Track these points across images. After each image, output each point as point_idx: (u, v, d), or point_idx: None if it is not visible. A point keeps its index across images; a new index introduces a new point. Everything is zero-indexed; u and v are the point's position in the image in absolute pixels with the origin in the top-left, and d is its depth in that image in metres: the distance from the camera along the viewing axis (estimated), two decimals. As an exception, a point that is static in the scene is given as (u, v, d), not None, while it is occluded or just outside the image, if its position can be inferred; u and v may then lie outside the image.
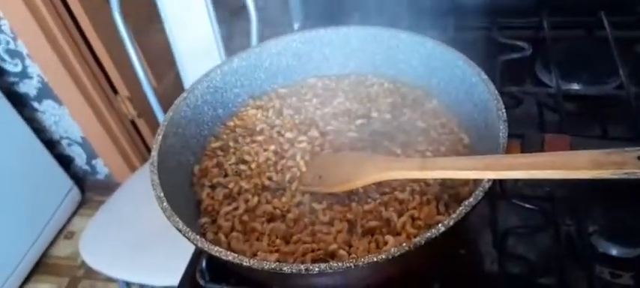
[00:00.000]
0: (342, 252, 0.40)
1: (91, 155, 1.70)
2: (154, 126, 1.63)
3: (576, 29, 0.71)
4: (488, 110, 0.44)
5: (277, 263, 0.34)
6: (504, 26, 0.70)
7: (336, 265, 0.33)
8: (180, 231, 0.38)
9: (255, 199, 0.47)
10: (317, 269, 0.33)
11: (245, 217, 0.45)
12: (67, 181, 1.69)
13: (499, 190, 0.48)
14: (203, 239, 0.37)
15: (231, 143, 0.54)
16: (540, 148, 0.40)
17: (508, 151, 0.39)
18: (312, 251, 0.41)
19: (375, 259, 0.33)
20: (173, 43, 1.11)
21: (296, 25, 0.89)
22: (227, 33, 1.07)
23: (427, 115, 0.52)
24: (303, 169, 0.49)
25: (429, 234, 0.34)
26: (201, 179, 0.50)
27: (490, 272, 0.46)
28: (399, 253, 0.33)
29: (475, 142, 0.48)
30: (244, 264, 0.35)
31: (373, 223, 0.42)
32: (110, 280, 1.39)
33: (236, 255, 0.35)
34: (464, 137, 0.49)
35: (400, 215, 0.42)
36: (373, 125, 0.52)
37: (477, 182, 0.42)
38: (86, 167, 1.77)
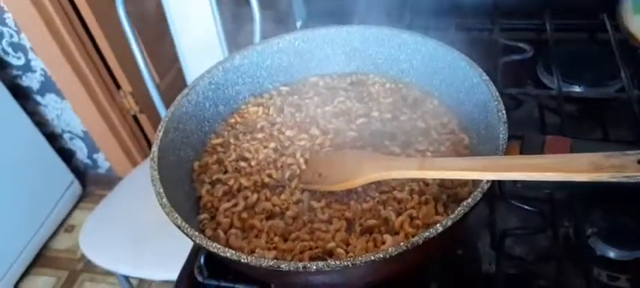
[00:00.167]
0: (340, 250, 0.40)
1: (92, 149, 1.71)
2: (155, 121, 1.63)
3: (579, 32, 0.71)
4: (489, 111, 0.44)
5: (275, 261, 0.34)
6: (506, 28, 0.70)
7: (333, 263, 0.33)
8: (178, 227, 0.38)
9: (255, 196, 0.47)
10: (314, 267, 0.33)
11: (244, 214, 0.45)
12: (68, 175, 1.69)
13: (498, 191, 0.48)
14: (201, 235, 0.37)
15: (231, 140, 0.54)
16: (540, 149, 0.40)
17: (507, 152, 0.39)
18: (310, 249, 0.41)
19: (372, 258, 0.33)
20: (176, 39, 1.11)
21: (299, 24, 0.89)
22: (230, 30, 1.07)
23: (428, 116, 0.52)
24: (303, 166, 0.49)
25: (427, 234, 0.34)
26: (201, 175, 0.50)
27: (488, 273, 0.46)
28: (396, 252, 0.33)
29: (475, 143, 0.48)
30: (242, 261, 0.35)
31: (371, 222, 0.42)
32: (109, 273, 1.40)
33: (234, 252, 0.35)
34: (464, 138, 0.49)
35: (399, 214, 0.42)
36: (374, 125, 0.52)
37: (475, 183, 0.42)
38: (87, 161, 1.77)
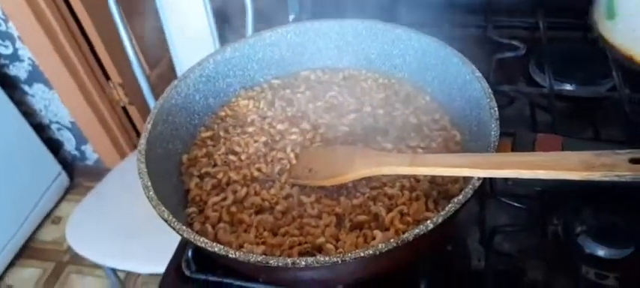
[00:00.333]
0: (329, 246, 0.40)
1: (80, 140, 1.69)
2: (145, 113, 1.62)
3: (571, 30, 0.71)
4: (481, 108, 0.44)
5: (263, 256, 0.34)
6: (499, 25, 0.70)
7: (322, 259, 0.33)
8: (165, 220, 0.37)
9: (244, 190, 0.46)
10: (303, 263, 0.33)
11: (233, 208, 0.45)
12: (55, 166, 1.67)
13: (488, 188, 0.48)
14: (189, 229, 0.37)
15: (221, 133, 0.53)
16: (532, 147, 0.40)
17: (499, 149, 0.39)
18: (300, 244, 0.40)
19: (362, 255, 0.32)
20: (167, 30, 1.10)
21: (291, 17, 0.88)
22: (222, 22, 1.06)
23: (420, 111, 0.52)
24: (293, 161, 0.49)
25: (417, 230, 0.33)
26: (189, 168, 0.50)
27: (477, 269, 0.46)
28: (386, 248, 0.33)
29: (467, 140, 0.47)
30: (230, 256, 0.34)
31: (362, 218, 0.42)
32: (96, 266, 1.38)
33: (222, 246, 0.35)
34: (456, 134, 0.49)
35: (389, 210, 0.42)
36: (365, 120, 0.52)
37: (466, 180, 0.41)
38: (75, 152, 1.75)
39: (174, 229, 0.37)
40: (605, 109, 0.60)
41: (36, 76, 1.47)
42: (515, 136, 0.42)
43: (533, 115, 0.59)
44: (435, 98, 0.53)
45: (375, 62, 0.58)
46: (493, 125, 0.40)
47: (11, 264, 1.54)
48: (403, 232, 0.39)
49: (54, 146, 1.69)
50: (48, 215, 1.68)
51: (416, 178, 0.44)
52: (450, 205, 0.35)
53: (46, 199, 1.64)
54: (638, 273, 0.45)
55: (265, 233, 0.42)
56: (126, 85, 1.55)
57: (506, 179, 0.43)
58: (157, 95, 1.16)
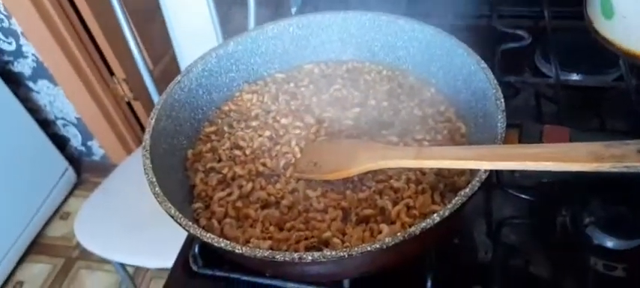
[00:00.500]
0: (335, 240, 0.40)
1: (86, 136, 1.69)
2: (150, 108, 1.61)
3: (577, 19, 0.70)
4: (487, 99, 0.43)
5: (270, 251, 0.34)
6: (504, 15, 0.69)
7: (329, 254, 0.33)
8: (172, 216, 0.37)
9: (249, 185, 0.46)
10: (310, 258, 0.33)
11: (239, 203, 0.45)
12: (62, 162, 1.68)
13: (495, 180, 0.48)
14: (195, 225, 0.37)
15: (225, 128, 0.53)
16: (539, 138, 0.40)
17: (506, 141, 0.39)
18: (306, 239, 0.40)
19: (368, 249, 0.32)
20: (170, 25, 1.10)
21: (293, 10, 0.88)
22: (224, 15, 1.06)
23: (425, 104, 0.52)
24: (298, 155, 0.49)
25: (424, 224, 0.33)
26: (194, 164, 0.50)
27: (484, 262, 0.46)
28: (393, 242, 0.32)
29: (473, 132, 0.47)
30: (237, 251, 0.34)
31: (368, 212, 0.42)
32: (105, 261, 1.39)
33: (228, 242, 0.35)
34: (461, 126, 0.48)
35: (395, 204, 0.42)
36: (370, 113, 0.52)
37: (473, 172, 0.41)
38: (81, 148, 1.76)
39: (180, 225, 0.37)
40: (610, 99, 0.60)
41: (40, 72, 1.48)
42: (522, 127, 0.42)
43: (539, 106, 0.58)
44: (440, 90, 0.52)
45: (379, 54, 0.57)
46: (499, 117, 0.40)
47: (21, 260, 1.56)
48: (410, 226, 0.39)
49: (60, 142, 1.70)
50: (56, 211, 1.69)
51: (422, 171, 0.44)
52: (456, 198, 0.34)
53: (54, 195, 1.65)
54: (647, 263, 0.44)
55: (271, 228, 0.42)
56: (130, 81, 1.55)
57: (512, 171, 0.43)
58: (161, 90, 1.16)
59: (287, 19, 0.57)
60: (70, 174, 1.72)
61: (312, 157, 0.47)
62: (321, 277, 0.43)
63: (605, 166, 0.32)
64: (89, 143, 1.73)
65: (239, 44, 0.56)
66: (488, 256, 0.45)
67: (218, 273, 0.46)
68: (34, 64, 1.46)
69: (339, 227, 0.41)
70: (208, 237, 0.36)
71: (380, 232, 0.40)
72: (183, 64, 1.15)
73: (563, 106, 0.54)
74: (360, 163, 0.43)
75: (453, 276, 0.44)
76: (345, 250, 0.33)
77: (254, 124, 0.53)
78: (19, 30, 1.36)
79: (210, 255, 0.48)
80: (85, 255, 1.54)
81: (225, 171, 0.48)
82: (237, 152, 0.50)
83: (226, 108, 0.55)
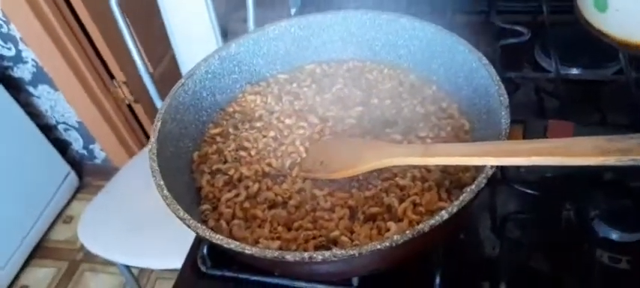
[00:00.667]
0: (344, 238, 0.40)
1: (88, 140, 1.70)
2: (150, 111, 1.62)
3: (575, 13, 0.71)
4: (490, 96, 0.44)
5: (280, 251, 0.34)
6: (502, 10, 0.69)
7: (339, 253, 0.33)
8: (181, 219, 0.38)
9: (256, 185, 0.47)
10: (320, 257, 0.33)
11: (246, 204, 0.45)
12: (64, 166, 1.68)
13: (499, 175, 0.48)
14: (204, 227, 0.37)
15: (230, 129, 0.53)
16: (543, 134, 0.40)
17: (510, 137, 0.39)
18: (314, 238, 0.41)
19: (378, 247, 0.33)
20: (169, 26, 1.10)
21: (293, 11, 0.88)
22: (223, 17, 1.06)
23: (427, 101, 0.52)
24: (303, 155, 0.49)
25: (432, 221, 0.33)
26: (200, 166, 0.50)
27: (490, 257, 0.46)
28: (402, 240, 0.33)
29: (476, 128, 0.47)
30: (246, 252, 0.35)
31: (374, 210, 0.42)
32: (109, 263, 1.40)
33: (238, 243, 0.35)
34: (465, 123, 0.49)
35: (401, 201, 0.42)
36: (373, 112, 0.52)
37: (478, 168, 0.42)
38: (83, 152, 1.76)
39: (190, 227, 0.37)
40: (609, 92, 0.60)
41: (40, 77, 1.48)
42: (526, 123, 0.42)
43: (540, 101, 0.59)
44: (442, 87, 0.53)
45: (380, 53, 0.58)
46: (503, 113, 0.40)
47: (26, 264, 1.56)
48: (417, 223, 0.40)
49: (61, 146, 1.70)
50: (59, 215, 1.70)
51: (427, 168, 0.44)
52: (464, 195, 0.35)
53: (56, 199, 1.66)
54: (651, 255, 0.45)
55: (279, 228, 0.42)
56: (130, 84, 1.55)
57: (518, 166, 0.43)
58: (161, 92, 1.17)
59: (288, 20, 0.57)
60: (73, 178, 1.72)
61: (318, 156, 0.48)
62: (330, 275, 0.44)
63: (610, 160, 0.33)
64: (91, 147, 1.73)
65: (241, 46, 0.56)
66: (495, 251, 0.46)
67: (227, 273, 0.47)
68: (34, 69, 1.46)
69: (346, 225, 0.41)
70: (218, 238, 0.36)
71: (387, 229, 0.40)
72: (183, 65, 1.16)
73: (564, 101, 0.54)
74: (366, 162, 0.43)
75: (460, 272, 0.45)
76: (355, 248, 0.33)
77: (258, 124, 0.53)
78: (18, 35, 1.36)
79: (219, 255, 0.48)
80: (89, 258, 1.54)
81: (231, 172, 0.49)
82: (242, 153, 0.50)
83: (230, 110, 0.56)
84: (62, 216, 1.71)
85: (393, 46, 0.56)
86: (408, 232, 0.33)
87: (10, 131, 1.45)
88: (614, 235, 0.44)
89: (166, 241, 1.06)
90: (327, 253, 0.33)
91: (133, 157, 1.35)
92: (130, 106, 1.64)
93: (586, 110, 0.57)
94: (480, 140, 0.45)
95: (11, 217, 1.48)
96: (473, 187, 0.35)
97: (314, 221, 0.42)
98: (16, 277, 1.53)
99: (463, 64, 0.49)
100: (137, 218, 1.12)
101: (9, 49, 1.40)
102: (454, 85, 0.51)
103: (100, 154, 1.75)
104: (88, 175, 1.80)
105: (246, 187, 0.47)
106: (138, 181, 1.20)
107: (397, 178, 0.44)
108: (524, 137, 0.42)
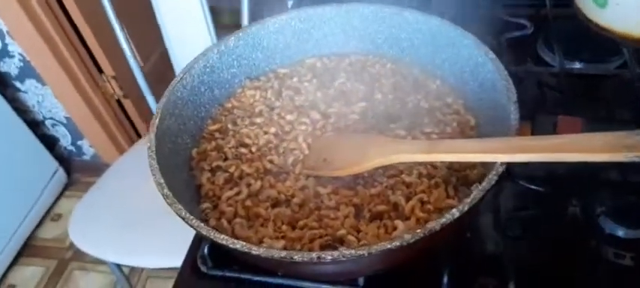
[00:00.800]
0: (350, 237, 0.39)
1: (76, 136, 1.66)
2: (140, 106, 1.59)
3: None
4: (497, 91, 0.43)
5: (288, 252, 0.33)
6: (505, 4, 0.68)
7: (348, 252, 0.32)
8: (183, 218, 0.36)
9: (258, 183, 0.45)
10: (329, 257, 0.32)
11: (248, 202, 0.44)
12: (52, 163, 1.65)
13: (505, 172, 0.47)
14: (208, 227, 0.36)
15: (229, 125, 0.52)
16: (552, 130, 0.40)
17: (519, 133, 0.38)
18: (320, 237, 0.40)
19: (390, 246, 0.32)
20: (161, 19, 1.08)
21: (290, 3, 0.87)
22: (218, 8, 1.04)
23: (431, 96, 0.51)
24: (306, 151, 0.48)
25: (444, 219, 0.33)
26: (200, 163, 0.49)
27: (496, 254, 0.46)
28: (414, 239, 0.32)
29: (482, 124, 0.47)
30: (253, 252, 0.33)
31: (381, 208, 0.41)
32: (99, 262, 1.37)
33: (244, 243, 0.34)
34: (470, 119, 0.48)
35: (408, 199, 0.41)
36: (376, 107, 0.51)
37: (485, 165, 0.41)
38: (71, 148, 1.73)
39: (192, 226, 0.36)
40: (613, 87, 0.60)
41: (27, 71, 1.44)
42: (535, 119, 0.41)
43: (544, 95, 0.58)
44: (446, 82, 0.52)
45: (382, 47, 0.56)
46: (512, 108, 0.39)
47: (13, 263, 1.53)
48: (425, 221, 0.39)
49: (49, 142, 1.67)
50: (47, 212, 1.66)
51: (433, 165, 0.44)
52: (475, 192, 0.34)
53: (44, 197, 1.63)
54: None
55: (284, 227, 0.41)
56: (119, 78, 1.52)
57: (526, 163, 0.43)
58: (151, 87, 1.14)
59: (288, 13, 0.56)
60: (61, 174, 1.69)
61: (321, 153, 0.47)
62: (336, 275, 0.43)
63: (620, 156, 0.32)
64: (79, 143, 1.70)
65: (240, 39, 0.55)
66: (500, 248, 0.45)
67: (228, 274, 0.46)
68: (21, 64, 1.42)
69: (352, 224, 0.40)
70: (223, 238, 0.35)
71: (395, 228, 0.39)
72: (176, 59, 1.13)
73: (568, 95, 0.54)
74: (371, 159, 0.42)
75: (467, 270, 0.44)
76: (365, 248, 0.32)
77: (258, 120, 0.52)
78: (4, 29, 1.32)
79: (220, 255, 0.47)
80: (79, 256, 1.52)
81: (232, 169, 0.47)
82: (243, 150, 0.49)
83: (229, 105, 0.54)
84: (50, 213, 1.68)
85: (396, 39, 0.55)
86: (419, 230, 0.32)
87: (-4, 127, 1.42)
88: (621, 232, 0.44)
89: (159, 240, 1.05)
90: (336, 253, 0.32)
91: (123, 153, 1.32)
92: (119, 102, 1.61)
93: (590, 105, 0.56)
94: (486, 136, 0.44)
95: (-2, 216, 1.44)
96: (484, 184, 0.35)
97: (319, 220, 0.41)
98: (4, 276, 1.50)
99: (469, 58, 0.48)
100: (129, 216, 1.10)
101: (-5, 43, 1.37)
102: (459, 79, 0.50)
103: (88, 151, 1.72)
104: (76, 171, 1.77)
105: (248, 185, 0.46)
106: (129, 178, 1.18)
107: (403, 175, 0.43)
108: (532, 133, 0.41)
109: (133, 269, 1.45)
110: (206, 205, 0.45)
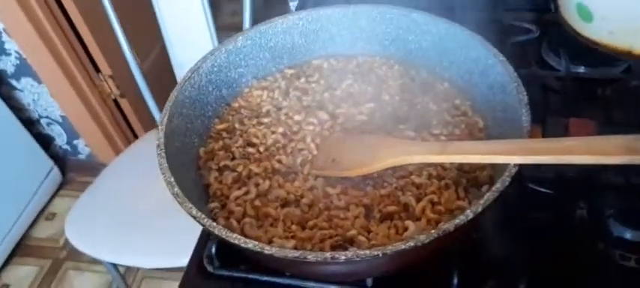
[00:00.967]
0: (361, 238, 0.39)
1: (71, 135, 1.65)
2: (137, 105, 1.58)
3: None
4: (507, 93, 0.43)
5: (301, 252, 0.33)
6: (510, 8, 0.69)
7: (363, 253, 0.32)
8: (194, 218, 0.36)
9: (267, 183, 0.45)
10: (343, 258, 0.32)
11: (257, 202, 0.44)
12: (47, 162, 1.63)
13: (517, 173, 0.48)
14: (220, 227, 0.35)
15: (236, 125, 0.52)
16: (564, 132, 0.40)
17: (530, 135, 0.38)
18: (330, 237, 0.39)
19: (404, 247, 0.32)
20: (161, 17, 1.07)
21: (292, 5, 0.86)
22: (217, 9, 1.03)
23: (439, 98, 0.51)
24: (314, 152, 0.48)
25: (457, 221, 0.33)
26: (207, 162, 0.48)
27: (505, 255, 0.46)
28: (428, 240, 0.32)
29: (491, 125, 0.47)
30: (266, 252, 0.33)
31: (391, 208, 0.41)
32: (94, 261, 1.36)
33: (256, 243, 0.34)
34: (479, 121, 0.48)
35: (418, 200, 0.41)
36: (384, 108, 0.51)
37: (495, 167, 0.41)
38: (67, 147, 1.71)
39: (204, 225, 0.36)
40: (618, 91, 0.60)
41: (24, 69, 1.43)
42: (546, 121, 0.42)
43: (548, 99, 0.58)
44: (455, 84, 0.52)
45: (390, 48, 0.57)
46: (524, 110, 0.39)
47: (7, 262, 1.51)
48: (436, 222, 0.39)
49: (44, 141, 1.65)
50: (42, 212, 1.64)
51: (443, 166, 0.44)
52: (489, 194, 0.34)
53: (39, 196, 1.61)
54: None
55: (294, 227, 0.41)
56: (116, 77, 1.51)
57: (537, 165, 0.43)
58: (149, 86, 1.14)
59: (297, 14, 0.56)
60: (56, 173, 1.67)
61: (330, 153, 0.46)
62: (345, 276, 0.42)
63: (636, 159, 0.32)
64: (74, 142, 1.68)
65: (248, 39, 0.54)
66: (509, 249, 0.45)
67: (235, 274, 0.45)
68: (17, 62, 1.41)
69: (363, 224, 0.40)
70: (235, 238, 0.35)
71: (406, 229, 0.39)
72: (175, 58, 1.13)
73: (574, 99, 0.54)
74: (381, 159, 0.42)
75: (476, 271, 0.44)
76: (379, 248, 0.32)
77: (266, 120, 0.52)
78: (1, 26, 1.31)
79: (227, 255, 0.46)
80: (73, 256, 1.50)
81: (239, 169, 0.47)
82: (250, 149, 0.49)
83: (236, 105, 0.54)
84: (45, 213, 1.66)
85: (403, 41, 0.55)
86: (434, 231, 0.32)
87: (-9, 125, 1.40)
88: (628, 234, 0.44)
89: (155, 240, 1.04)
90: (350, 253, 0.32)
91: (120, 154, 1.31)
92: (115, 101, 1.60)
93: (596, 108, 0.57)
94: (495, 138, 0.44)
95: (-8, 214, 1.43)
96: (498, 185, 0.35)
97: (329, 220, 0.41)
98: (-3, 275, 1.48)
99: (477, 60, 0.48)
100: (126, 216, 1.09)
101: (-9, 40, 1.35)
102: (467, 81, 0.50)
103: (84, 150, 1.71)
104: (71, 170, 1.76)
105: (256, 185, 0.45)
106: (127, 178, 1.17)
107: (413, 177, 0.43)
108: (544, 136, 0.41)
109: (128, 269, 1.43)
110: (214, 204, 0.44)
